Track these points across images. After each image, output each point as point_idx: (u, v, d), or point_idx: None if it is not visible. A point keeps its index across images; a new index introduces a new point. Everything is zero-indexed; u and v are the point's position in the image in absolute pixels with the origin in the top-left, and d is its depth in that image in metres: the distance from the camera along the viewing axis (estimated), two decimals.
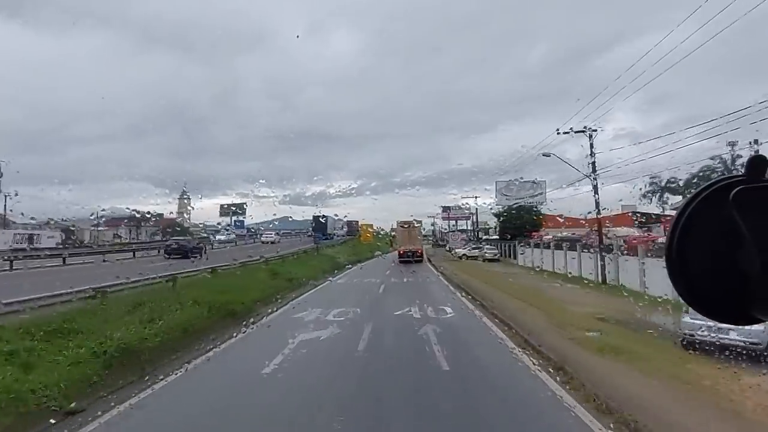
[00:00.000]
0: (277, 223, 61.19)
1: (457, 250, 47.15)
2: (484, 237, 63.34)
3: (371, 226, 66.09)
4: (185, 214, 65.59)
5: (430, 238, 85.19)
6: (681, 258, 0.90)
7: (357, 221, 60.83)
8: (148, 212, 49.29)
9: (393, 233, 49.74)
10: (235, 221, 59.42)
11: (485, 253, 44.54)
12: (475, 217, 58.32)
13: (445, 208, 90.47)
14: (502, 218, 61.12)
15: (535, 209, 55.66)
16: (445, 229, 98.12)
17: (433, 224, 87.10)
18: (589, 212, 28.04)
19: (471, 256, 46.59)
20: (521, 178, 51.33)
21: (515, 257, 43.13)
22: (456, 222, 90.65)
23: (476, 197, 56.22)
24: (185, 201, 69.44)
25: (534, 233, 57.42)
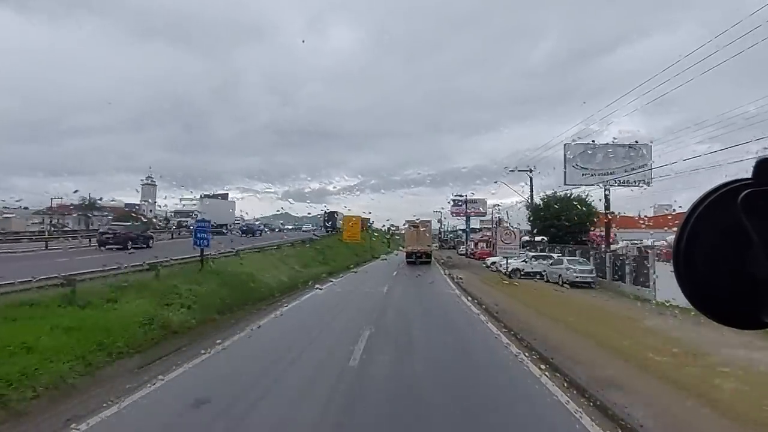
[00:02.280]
0: (281, 221, 61.66)
1: (511, 262, 24.51)
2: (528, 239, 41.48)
3: (355, 219, 44.61)
4: (149, 201, 63.55)
5: (436, 239, 70.14)
6: (689, 262, 0.88)
7: (368, 219, 51.42)
8: (78, 198, 50.34)
9: (391, 232, 47.46)
10: None
11: (570, 271, 22.13)
12: (527, 202, 36.20)
13: (456, 202, 71.18)
14: (539, 214, 42.17)
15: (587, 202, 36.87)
16: (447, 228, 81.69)
17: (439, 221, 75.72)
18: None
19: (529, 273, 24.78)
20: (614, 139, 29.99)
21: (625, 280, 21.23)
22: (468, 218, 72.10)
23: (530, 170, 33.91)
24: (150, 188, 65.38)
25: (595, 236, 38.25)
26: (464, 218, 75.46)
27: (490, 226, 73.75)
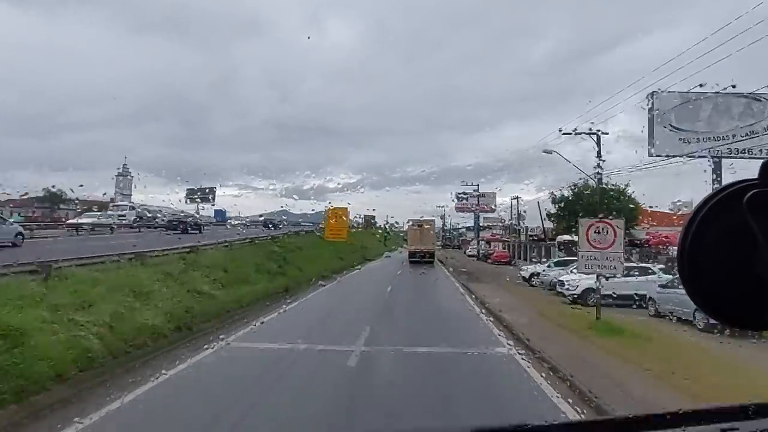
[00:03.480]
0: (285, 217, 62.01)
1: (576, 278, 13.71)
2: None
3: (344, 212, 34.00)
4: (124, 194, 60.85)
5: (440, 238, 67.21)
6: (694, 263, 0.86)
7: (373, 216, 49.54)
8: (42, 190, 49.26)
9: (389, 229, 47.63)
10: (215, 210, 61.89)
11: None
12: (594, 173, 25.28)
13: (461, 197, 64.41)
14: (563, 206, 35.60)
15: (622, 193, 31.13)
16: (450, 226, 76.49)
17: (442, 217, 70.32)
18: None
19: (617, 298, 14.02)
20: (720, 86, 19.45)
21: None
22: (477, 215, 65.22)
23: (596, 132, 22.94)
24: (125, 179, 63.17)
25: (652, 236, 29.84)
26: (467, 215, 67.26)
27: (498, 224, 64.46)
